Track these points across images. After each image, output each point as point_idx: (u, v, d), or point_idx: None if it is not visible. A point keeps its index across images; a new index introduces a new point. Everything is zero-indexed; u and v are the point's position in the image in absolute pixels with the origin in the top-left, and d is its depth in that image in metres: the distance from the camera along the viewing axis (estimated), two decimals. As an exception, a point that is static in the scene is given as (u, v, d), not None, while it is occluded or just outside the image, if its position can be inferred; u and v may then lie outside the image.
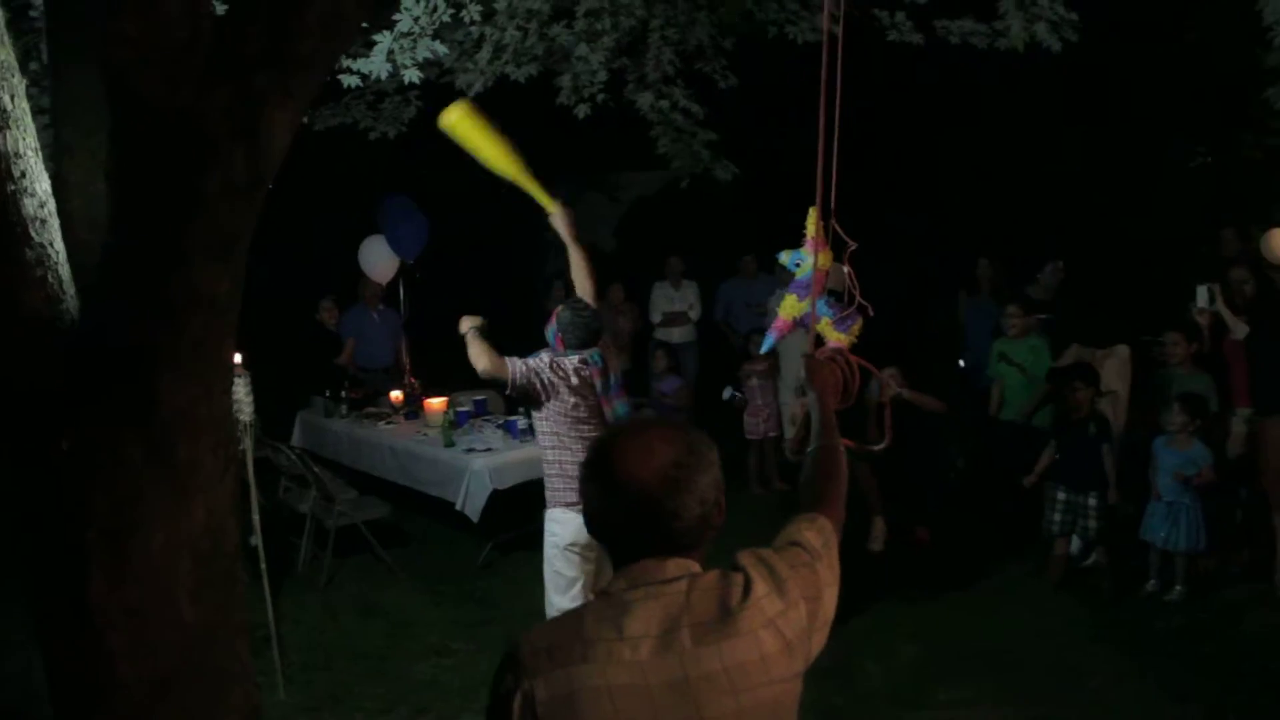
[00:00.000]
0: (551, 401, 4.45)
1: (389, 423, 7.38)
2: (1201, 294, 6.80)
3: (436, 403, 7.18)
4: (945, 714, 4.58)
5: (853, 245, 2.80)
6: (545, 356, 4.52)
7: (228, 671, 2.81)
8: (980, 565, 6.28)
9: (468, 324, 4.55)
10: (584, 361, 4.54)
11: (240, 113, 2.33)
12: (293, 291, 8.97)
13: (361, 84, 5.05)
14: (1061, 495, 6.04)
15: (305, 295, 8.74)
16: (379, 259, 8.39)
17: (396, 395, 7.73)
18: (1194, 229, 11.46)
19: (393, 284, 8.83)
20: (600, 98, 6.30)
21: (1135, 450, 6.42)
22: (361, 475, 7.18)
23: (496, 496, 6.24)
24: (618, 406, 4.67)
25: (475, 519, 6.23)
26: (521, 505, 6.62)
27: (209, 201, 2.35)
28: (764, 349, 3.31)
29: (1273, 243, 7.19)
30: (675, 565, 1.62)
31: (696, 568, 1.64)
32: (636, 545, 1.63)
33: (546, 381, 4.42)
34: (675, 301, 9.87)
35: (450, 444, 6.61)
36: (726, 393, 8.03)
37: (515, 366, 4.40)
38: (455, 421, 6.92)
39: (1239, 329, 6.45)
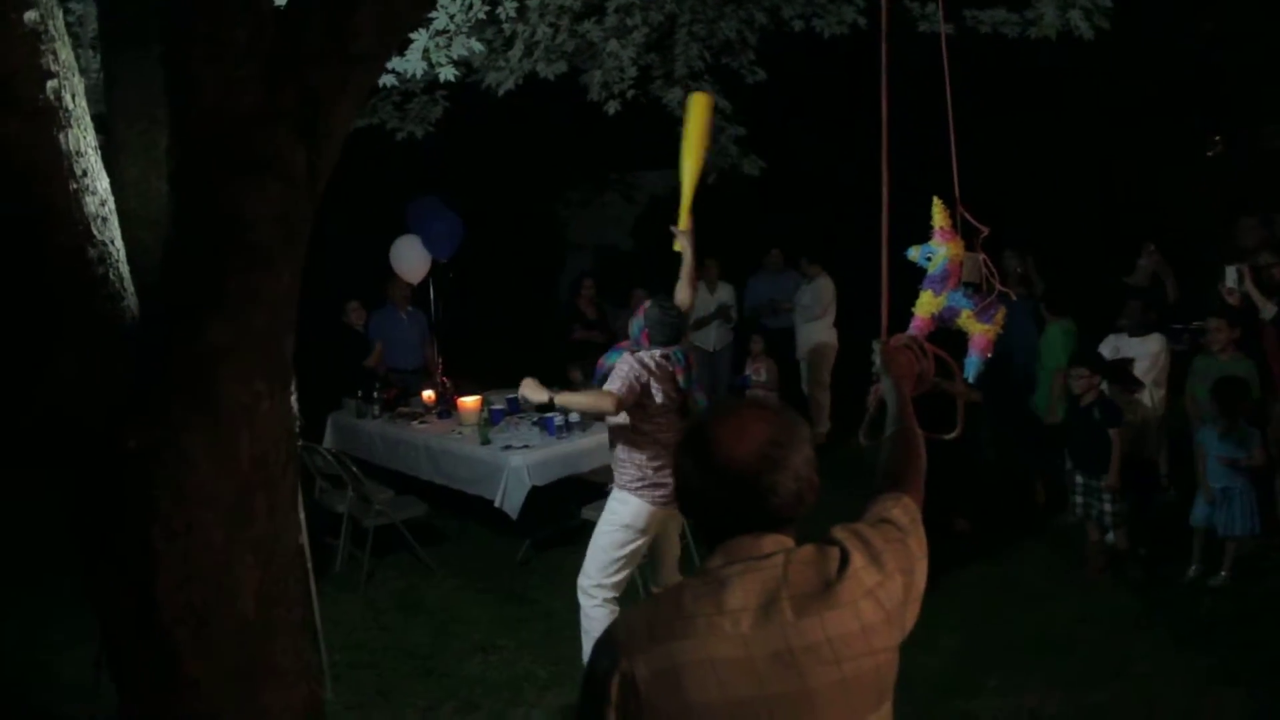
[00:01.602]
0: (647, 399, 4.58)
1: (422, 422, 7.39)
2: (1230, 275, 6.84)
3: (470, 401, 7.20)
4: (995, 701, 4.56)
5: (984, 231, 2.76)
6: (630, 359, 4.62)
7: (291, 668, 2.82)
8: (1018, 555, 6.26)
9: (541, 395, 4.75)
10: (666, 357, 4.64)
11: (301, 111, 2.35)
12: (318, 293, 8.99)
13: (397, 82, 5.05)
14: (1079, 480, 6.04)
15: (331, 297, 8.77)
16: (412, 259, 8.40)
17: (429, 395, 7.75)
18: (1213, 218, 11.41)
19: (421, 285, 8.84)
20: (630, 94, 6.29)
21: (1179, 437, 6.41)
22: (395, 475, 7.20)
23: (533, 494, 6.25)
24: (700, 399, 4.79)
25: (514, 516, 6.24)
26: (558, 502, 6.64)
27: (271, 199, 2.36)
28: (971, 375, 3.12)
29: None
30: (771, 541, 1.64)
31: (791, 543, 1.65)
32: (732, 522, 1.64)
33: (648, 384, 4.56)
34: (711, 304, 9.85)
35: (487, 441, 6.62)
36: (740, 380, 8.24)
37: (621, 392, 4.49)
38: (490, 419, 6.93)
39: (1268, 309, 6.45)
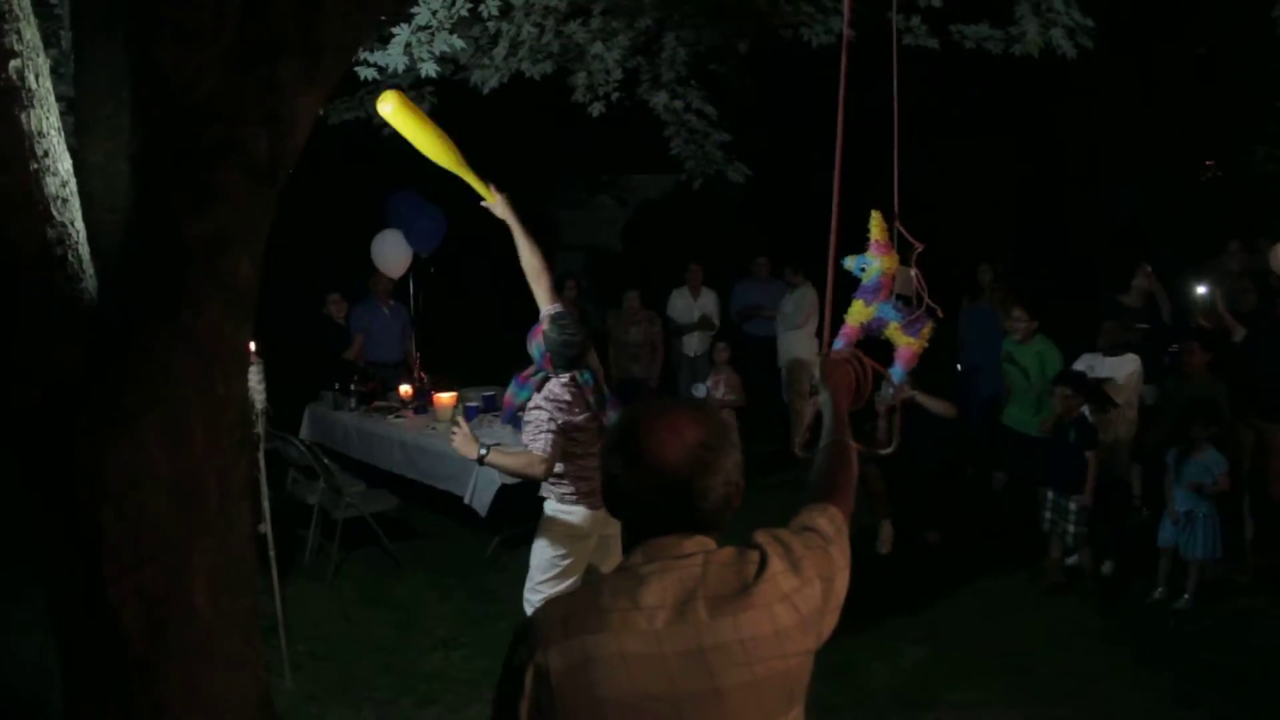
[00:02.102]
0: (572, 431, 4.37)
1: (398, 416, 7.39)
2: (1202, 296, 6.92)
3: (445, 397, 7.19)
4: (952, 715, 4.58)
5: (919, 247, 2.78)
6: (543, 403, 4.37)
7: (238, 655, 2.82)
8: (988, 569, 6.28)
9: (472, 450, 4.43)
10: (574, 381, 4.44)
11: (264, 98, 2.35)
12: (299, 284, 8.98)
13: (379, 77, 5.05)
14: (1050, 497, 6.07)
15: (312, 288, 8.76)
16: (393, 253, 8.39)
17: (405, 390, 7.74)
18: (1203, 241, 11.47)
19: (402, 279, 8.83)
20: (615, 96, 6.30)
21: (1152, 458, 6.45)
22: (369, 469, 7.20)
23: (504, 492, 6.25)
24: (612, 417, 4.56)
25: (483, 513, 6.24)
26: (529, 501, 6.62)
27: (231, 186, 2.36)
28: (897, 380, 3.16)
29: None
30: (693, 542, 1.64)
31: (713, 545, 1.66)
32: (658, 523, 1.65)
33: (561, 424, 4.32)
34: (694, 310, 9.85)
35: (459, 438, 6.61)
36: (698, 390, 8.11)
37: (549, 448, 4.28)
38: (464, 416, 6.93)
39: (1238, 332, 6.52)
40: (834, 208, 2.63)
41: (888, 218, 2.78)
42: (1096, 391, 6.15)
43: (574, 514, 4.47)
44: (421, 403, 7.53)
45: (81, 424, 2.44)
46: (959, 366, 8.25)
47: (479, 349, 9.78)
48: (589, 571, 4.62)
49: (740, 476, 1.68)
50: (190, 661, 2.66)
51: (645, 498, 1.63)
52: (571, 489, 4.47)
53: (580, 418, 4.41)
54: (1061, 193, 13.33)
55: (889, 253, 2.83)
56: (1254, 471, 6.30)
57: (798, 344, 9.23)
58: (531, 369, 4.56)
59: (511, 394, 4.70)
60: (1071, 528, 5.91)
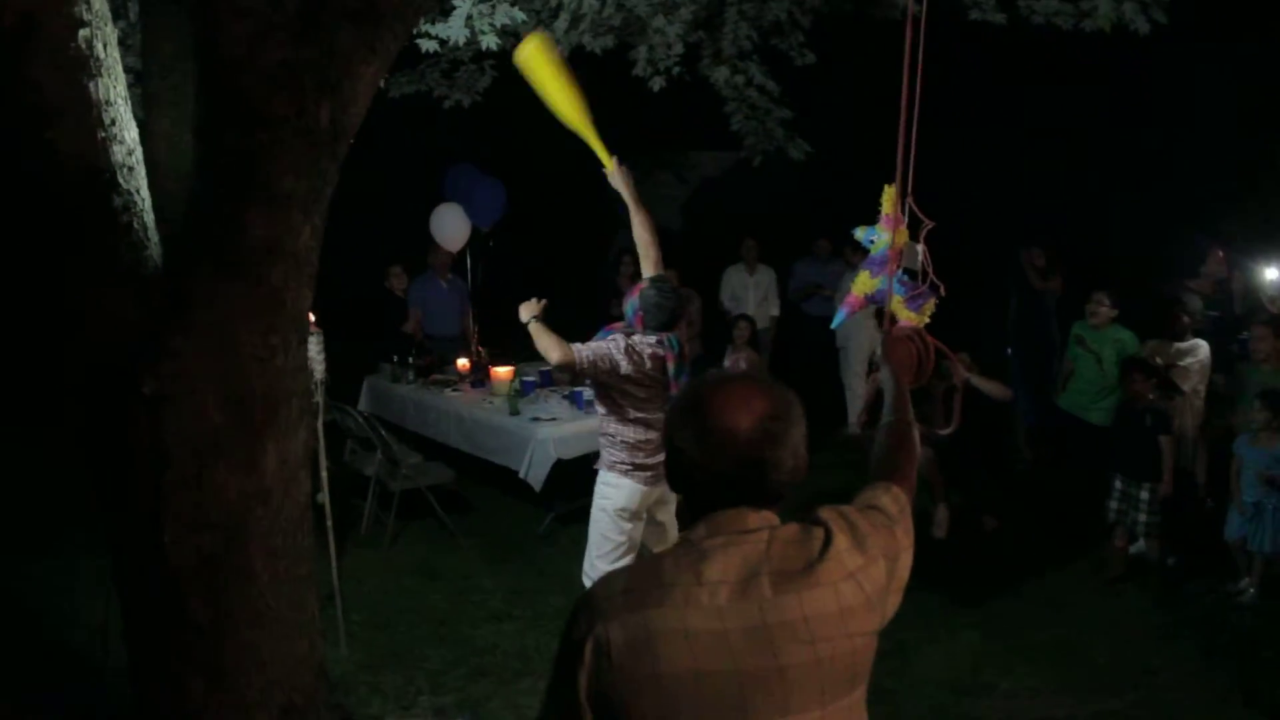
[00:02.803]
0: (618, 381, 4.40)
1: (455, 390, 7.44)
2: (1273, 283, 6.78)
3: (503, 371, 7.23)
4: (1005, 703, 4.52)
5: (929, 224, 2.76)
6: (620, 340, 4.42)
7: (294, 620, 2.87)
8: (1045, 556, 6.19)
9: (528, 313, 4.51)
10: (660, 343, 4.48)
11: (326, 67, 2.36)
12: (361, 257, 9.05)
13: (440, 49, 5.06)
14: (1118, 485, 5.95)
15: (373, 261, 8.83)
16: (452, 226, 8.43)
17: (463, 363, 7.80)
18: (1271, 223, 11.16)
19: (460, 252, 8.87)
20: (676, 71, 6.26)
21: (1216, 447, 6.31)
22: (426, 441, 7.26)
23: (558, 467, 6.27)
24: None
25: (538, 488, 6.27)
26: (583, 476, 6.65)
27: (293, 154, 2.38)
28: (835, 324, 3.24)
29: None
30: (757, 517, 1.62)
31: (776, 520, 1.64)
32: (725, 496, 1.62)
33: (618, 368, 4.34)
34: (750, 288, 9.80)
35: (516, 412, 6.65)
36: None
37: (582, 355, 4.32)
38: (521, 390, 6.97)
39: None
40: (897, 183, 2.59)
41: (902, 193, 2.75)
42: (1165, 378, 6.01)
43: (621, 487, 4.48)
44: (478, 376, 7.58)
45: (144, 391, 2.47)
46: (1009, 350, 8.12)
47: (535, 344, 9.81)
48: (641, 551, 4.63)
49: (806, 450, 1.66)
50: (247, 626, 2.71)
51: (714, 470, 1.61)
52: (621, 457, 4.48)
53: (645, 379, 4.41)
54: (1128, 175, 13.02)
55: (898, 227, 2.82)
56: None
57: (855, 323, 9.14)
58: (622, 324, 4.60)
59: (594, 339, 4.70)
60: (1143, 516, 5.79)
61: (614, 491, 4.51)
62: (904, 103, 2.58)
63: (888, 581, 1.66)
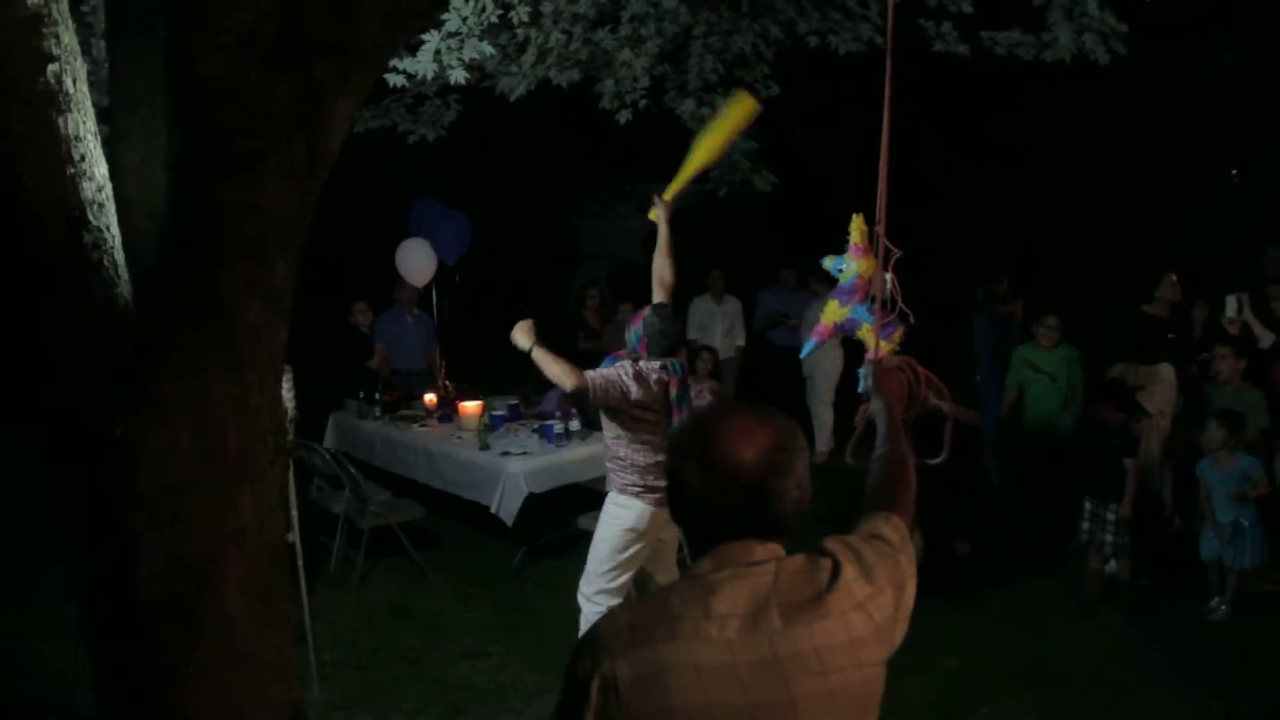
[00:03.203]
0: (629, 407, 4.52)
1: (423, 425, 7.37)
2: (1230, 304, 7.01)
3: (471, 406, 7.18)
4: (987, 729, 4.52)
5: (898, 253, 2.77)
6: (629, 366, 4.59)
7: (271, 664, 2.80)
8: (1020, 580, 6.22)
9: (526, 340, 4.62)
10: (664, 368, 4.60)
11: (302, 100, 2.33)
12: (323, 293, 8.98)
13: (407, 84, 5.03)
14: (1088, 506, 5.99)
15: (336, 297, 8.75)
16: (418, 261, 8.39)
17: (430, 398, 7.73)
18: (1229, 248, 11.37)
19: (426, 287, 8.83)
20: (642, 104, 6.27)
21: (1179, 468, 6.38)
22: (394, 478, 7.18)
23: (529, 501, 6.22)
24: (686, 414, 4.67)
25: (510, 522, 6.21)
26: (555, 511, 6.61)
27: (269, 189, 2.34)
28: (804, 354, 3.26)
29: None
30: (764, 549, 1.61)
31: (782, 551, 1.62)
32: (730, 528, 1.60)
33: (629, 394, 4.49)
34: (718, 318, 9.81)
35: (486, 447, 6.60)
36: None
37: (595, 383, 4.47)
38: (490, 425, 6.91)
39: (1265, 338, 6.46)
40: (879, 214, 2.60)
41: (870, 222, 2.77)
42: (1131, 401, 6.07)
43: (631, 508, 4.57)
44: (446, 411, 7.52)
45: (115, 430, 2.42)
46: (978, 378, 8.18)
47: (503, 357, 9.75)
48: (640, 575, 4.65)
49: (810, 480, 1.64)
50: (223, 670, 2.64)
51: (719, 503, 1.59)
52: (632, 479, 4.58)
53: (656, 403, 4.54)
54: (1085, 201, 13.23)
55: (866, 256, 2.84)
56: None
57: (821, 352, 9.17)
58: (626, 351, 4.73)
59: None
60: (1110, 538, 5.83)
61: (624, 512, 4.59)
62: (885, 134, 2.59)
63: (895, 610, 1.65)
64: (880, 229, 2.73)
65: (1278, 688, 4.86)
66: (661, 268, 4.83)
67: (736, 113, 4.55)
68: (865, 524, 1.78)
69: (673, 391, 4.59)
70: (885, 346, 2.78)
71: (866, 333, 2.82)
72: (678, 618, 1.54)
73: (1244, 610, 5.62)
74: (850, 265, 2.85)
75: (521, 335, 4.64)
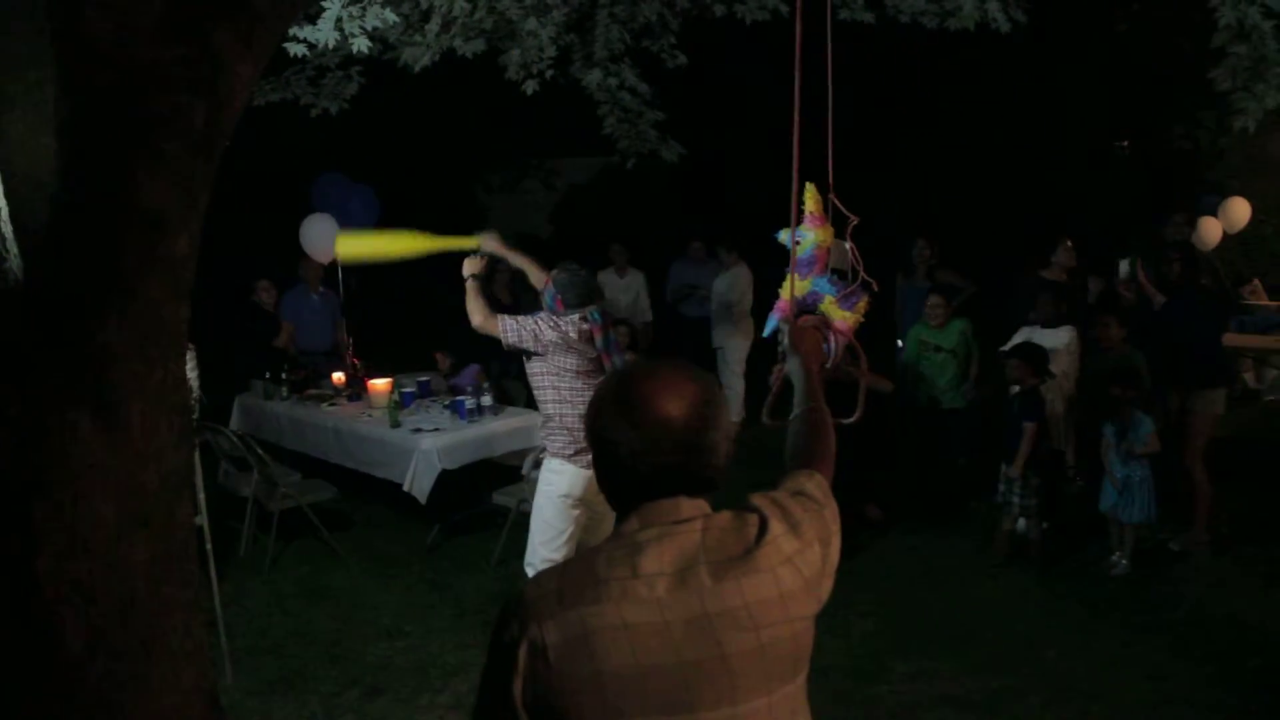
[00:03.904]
0: (550, 357, 4.56)
1: (332, 404, 7.25)
2: (1123, 267, 7.21)
3: (381, 384, 7.06)
4: (904, 686, 4.60)
5: (854, 220, 2.75)
6: (544, 315, 4.63)
7: (181, 650, 2.71)
8: (930, 542, 6.34)
9: (470, 268, 4.77)
10: (584, 318, 4.62)
11: (199, 66, 2.24)
12: (226, 271, 8.75)
13: (308, 53, 4.90)
14: (1004, 469, 6.13)
15: (239, 275, 8.53)
16: (323, 237, 8.20)
17: (339, 377, 7.60)
18: (1120, 215, 11.71)
19: (331, 264, 8.64)
20: (549, 74, 6.21)
21: (1086, 429, 6.57)
22: (304, 459, 7.04)
23: (443, 478, 6.15)
24: (616, 360, 4.70)
25: (423, 500, 6.14)
26: (469, 487, 6.55)
27: (167, 158, 2.25)
28: (766, 332, 3.12)
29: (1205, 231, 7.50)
30: (690, 506, 1.59)
31: (709, 509, 1.61)
32: (663, 485, 1.58)
33: (543, 339, 4.53)
34: (621, 291, 9.79)
35: (397, 424, 6.51)
36: None
37: (506, 324, 4.56)
38: (400, 402, 6.82)
39: (1158, 300, 6.68)
40: (794, 180, 2.59)
41: (822, 190, 2.74)
42: (1044, 362, 6.21)
43: (564, 473, 4.58)
44: (355, 390, 7.39)
45: (10, 413, 2.31)
46: (899, 343, 8.29)
47: (412, 335, 9.62)
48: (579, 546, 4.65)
49: (734, 432, 1.63)
50: (133, 657, 2.55)
51: (653, 461, 1.56)
52: (563, 443, 4.60)
53: (580, 354, 4.58)
54: (988, 169, 13.49)
55: (823, 225, 2.80)
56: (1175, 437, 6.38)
57: (732, 323, 9.24)
58: (545, 314, 4.71)
59: None
60: (1017, 499, 5.97)
61: (557, 478, 4.59)
62: (830, 98, 2.57)
63: (822, 565, 1.64)
64: (833, 197, 2.71)
65: (1176, 633, 5.04)
66: (534, 277, 4.95)
67: (352, 246, 5.04)
68: (788, 481, 1.77)
69: (598, 339, 4.62)
70: (849, 317, 2.75)
71: (830, 305, 2.78)
72: (605, 579, 1.51)
73: (1141, 562, 5.81)
74: (808, 236, 2.79)
75: (469, 263, 4.81)
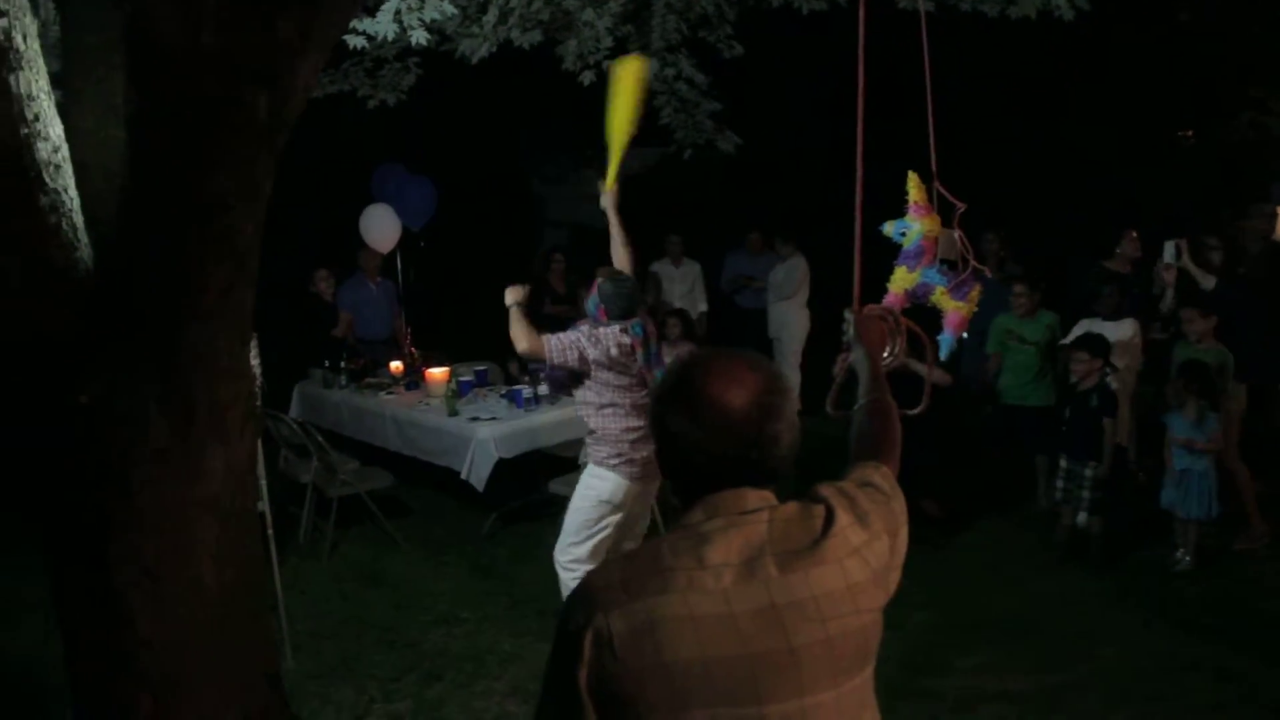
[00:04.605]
0: (593, 373, 4.57)
1: (390, 393, 7.31)
2: (1168, 250, 7.08)
3: (438, 373, 7.12)
4: (961, 681, 4.55)
5: (962, 207, 2.71)
6: (585, 329, 4.63)
7: (248, 633, 2.77)
8: (989, 538, 6.26)
9: (512, 297, 4.74)
10: (625, 331, 4.60)
11: (263, 57, 2.27)
12: (285, 261, 8.86)
13: (367, 45, 4.95)
14: (1064, 464, 6.03)
15: (299, 265, 8.63)
16: (383, 227, 8.28)
17: (396, 365, 7.67)
18: (1188, 207, 11.45)
19: (389, 254, 8.73)
20: (605, 65, 6.21)
21: (1148, 423, 6.45)
22: (362, 446, 7.12)
23: (501, 467, 6.19)
24: (658, 375, 4.66)
25: (481, 488, 6.18)
26: (525, 475, 6.59)
27: (232, 147, 2.29)
28: None
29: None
30: (755, 496, 1.58)
31: (774, 499, 1.60)
32: (725, 476, 1.57)
33: (587, 358, 4.54)
34: (677, 281, 9.79)
35: (454, 413, 6.56)
36: None
37: (551, 345, 4.55)
38: (458, 391, 6.87)
39: (1206, 281, 6.56)
40: (858, 170, 2.56)
41: (925, 179, 2.70)
42: (1107, 351, 6.10)
43: (608, 480, 4.62)
44: (412, 378, 7.46)
45: (82, 399, 2.37)
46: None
47: (468, 325, 9.69)
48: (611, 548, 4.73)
49: (798, 422, 1.61)
50: (198, 638, 2.61)
51: (714, 451, 1.56)
52: (608, 452, 4.62)
53: (615, 366, 4.57)
54: (1057, 160, 13.27)
55: (929, 215, 2.75)
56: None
57: (788, 314, 9.20)
58: (589, 321, 4.75)
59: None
60: (1087, 494, 5.86)
61: (600, 483, 4.64)
62: (928, 89, 2.53)
63: (890, 557, 1.64)
64: (937, 184, 2.67)
65: (1240, 634, 4.93)
66: (618, 257, 4.88)
67: (627, 77, 4.46)
68: (854, 471, 1.76)
69: (638, 352, 4.61)
70: (963, 308, 2.72)
71: (941, 296, 2.74)
72: (671, 569, 1.51)
73: (1206, 560, 5.70)
74: (913, 227, 2.75)
75: (510, 292, 4.78)
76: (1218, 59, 11.94)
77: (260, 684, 2.79)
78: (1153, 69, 12.58)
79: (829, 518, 1.58)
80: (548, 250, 10.27)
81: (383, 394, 7.29)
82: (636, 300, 4.71)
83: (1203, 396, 5.69)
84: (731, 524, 1.54)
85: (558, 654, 1.54)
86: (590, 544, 4.67)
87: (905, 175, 2.83)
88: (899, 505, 1.71)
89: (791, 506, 1.60)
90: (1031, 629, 5.04)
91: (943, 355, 2.79)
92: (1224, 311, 6.32)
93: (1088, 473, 5.85)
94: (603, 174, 4.89)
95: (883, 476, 1.75)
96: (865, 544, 1.59)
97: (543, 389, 6.71)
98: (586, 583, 1.56)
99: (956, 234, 2.80)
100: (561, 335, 4.62)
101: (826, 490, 1.65)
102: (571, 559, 4.70)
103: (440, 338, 8.79)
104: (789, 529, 1.56)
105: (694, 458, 1.57)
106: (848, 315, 2.36)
